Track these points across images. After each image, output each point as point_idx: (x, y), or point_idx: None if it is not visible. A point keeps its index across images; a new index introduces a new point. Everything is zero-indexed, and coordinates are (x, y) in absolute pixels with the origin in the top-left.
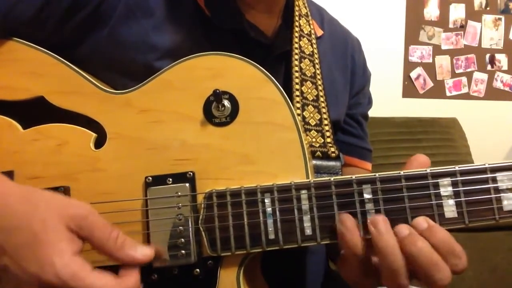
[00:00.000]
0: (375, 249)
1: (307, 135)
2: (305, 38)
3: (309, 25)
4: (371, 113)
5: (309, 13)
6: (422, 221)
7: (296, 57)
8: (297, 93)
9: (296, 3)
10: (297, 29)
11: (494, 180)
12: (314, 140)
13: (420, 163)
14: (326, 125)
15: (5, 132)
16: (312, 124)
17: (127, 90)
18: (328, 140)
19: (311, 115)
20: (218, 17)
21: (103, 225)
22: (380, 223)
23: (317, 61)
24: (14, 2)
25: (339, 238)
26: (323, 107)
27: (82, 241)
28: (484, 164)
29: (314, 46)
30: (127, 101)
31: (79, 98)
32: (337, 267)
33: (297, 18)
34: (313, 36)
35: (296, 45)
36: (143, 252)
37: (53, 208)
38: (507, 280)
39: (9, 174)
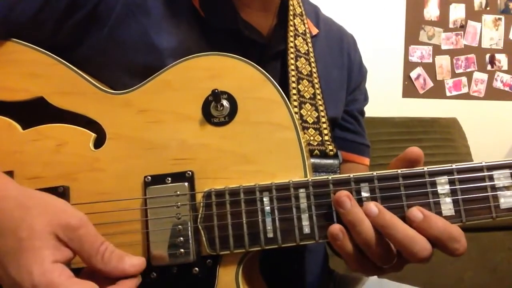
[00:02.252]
0: (347, 224)
1: (304, 133)
2: (300, 37)
3: (304, 24)
4: (371, 113)
5: (303, 13)
6: (417, 212)
7: (292, 55)
8: (294, 91)
9: (291, 2)
10: (292, 28)
11: (491, 178)
12: (312, 138)
13: (411, 157)
14: (323, 122)
15: (4, 133)
16: (310, 122)
17: (126, 91)
18: (326, 138)
19: (309, 113)
20: (213, 17)
21: (92, 238)
22: (344, 200)
23: (312, 59)
24: (14, 3)
25: (342, 218)
26: (320, 105)
27: (70, 251)
28: (481, 162)
29: (310, 44)
30: (126, 101)
31: (78, 99)
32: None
33: (291, 18)
34: (308, 35)
35: (292, 44)
36: (131, 263)
37: (45, 216)
38: (507, 280)
39: (9, 174)
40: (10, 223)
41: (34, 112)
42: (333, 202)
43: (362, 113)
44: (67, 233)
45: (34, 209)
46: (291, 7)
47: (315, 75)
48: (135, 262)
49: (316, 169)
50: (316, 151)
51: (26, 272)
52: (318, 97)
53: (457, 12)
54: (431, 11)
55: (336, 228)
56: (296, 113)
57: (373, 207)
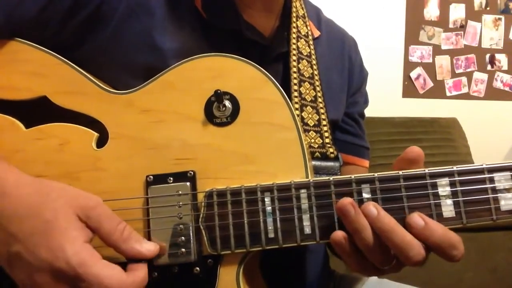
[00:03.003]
0: (350, 231)
1: (306, 135)
2: (302, 39)
3: (306, 26)
4: (371, 113)
5: (306, 14)
6: (418, 219)
7: (294, 58)
8: (296, 94)
9: (294, 4)
10: (294, 30)
11: (492, 180)
12: (312, 140)
13: (411, 157)
14: (324, 125)
15: (8, 131)
16: (311, 125)
17: (129, 91)
18: (327, 140)
19: (310, 115)
20: (215, 18)
21: (111, 216)
22: (349, 209)
23: (314, 62)
24: (17, 2)
25: (345, 222)
26: (321, 108)
27: (91, 231)
28: (482, 165)
29: (312, 47)
30: (129, 101)
31: (81, 98)
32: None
33: (294, 20)
34: (310, 37)
35: (294, 46)
36: (148, 247)
37: (64, 198)
38: (507, 280)
39: None
40: (31, 207)
41: (37, 111)
42: (336, 209)
43: (362, 115)
44: (86, 213)
45: (52, 194)
46: (294, 9)
47: (316, 77)
48: (151, 247)
49: (316, 171)
50: (317, 154)
51: (60, 251)
52: (319, 99)
53: (457, 12)
54: (431, 11)
55: (339, 235)
56: (297, 115)
57: (372, 208)
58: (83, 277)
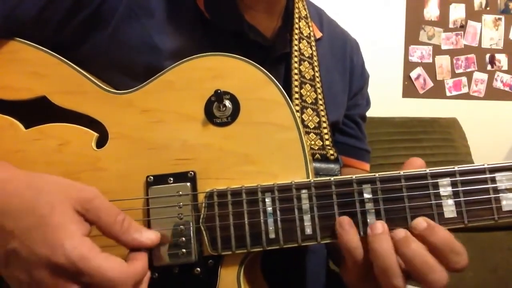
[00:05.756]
0: (370, 251)
1: (306, 137)
2: (304, 40)
3: (309, 27)
4: (371, 113)
5: (308, 15)
6: (421, 221)
7: (296, 59)
8: (296, 95)
9: (296, 5)
10: (296, 31)
11: (493, 180)
12: (313, 142)
13: (414, 168)
14: (324, 127)
15: (7, 132)
16: (311, 127)
17: (129, 91)
18: (327, 142)
19: (310, 118)
20: (218, 18)
21: (109, 208)
22: (377, 227)
23: (316, 63)
24: (17, 2)
25: (339, 240)
26: (322, 110)
27: (89, 224)
28: (483, 165)
29: (313, 48)
30: (129, 101)
31: (81, 98)
32: (340, 271)
33: (297, 20)
34: (312, 38)
35: (296, 48)
36: (148, 236)
37: (59, 191)
38: (507, 280)
39: None
40: (24, 203)
41: (36, 112)
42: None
43: (363, 118)
44: (83, 205)
45: (46, 188)
46: (296, 10)
47: (317, 79)
48: (152, 235)
49: (317, 173)
50: (317, 155)
51: (58, 246)
52: (320, 102)
53: (457, 12)
54: (431, 11)
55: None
56: (298, 117)
57: (401, 233)
58: (85, 271)
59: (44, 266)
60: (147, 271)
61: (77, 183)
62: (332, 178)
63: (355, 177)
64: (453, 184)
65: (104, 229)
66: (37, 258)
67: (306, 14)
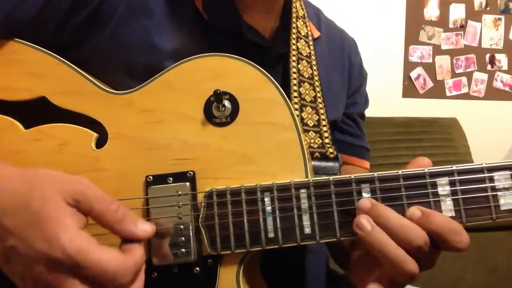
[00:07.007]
0: (369, 248)
1: (305, 136)
2: (302, 39)
3: (306, 26)
4: (371, 113)
5: (306, 15)
6: (415, 210)
7: (294, 58)
8: (295, 94)
9: (294, 4)
10: (294, 30)
11: (491, 179)
12: (312, 141)
13: (420, 166)
14: (324, 126)
15: (7, 132)
16: (310, 125)
17: (128, 91)
18: (326, 141)
19: (309, 116)
20: (216, 20)
21: (101, 197)
22: (364, 223)
23: (314, 62)
24: (16, 2)
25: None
26: (321, 108)
27: (84, 215)
28: (481, 164)
29: (311, 47)
30: (128, 102)
31: (80, 99)
32: (348, 270)
33: (294, 20)
34: (310, 37)
35: (294, 47)
36: (143, 228)
37: (49, 184)
38: (507, 280)
39: None
40: (18, 200)
41: (36, 112)
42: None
43: (362, 116)
44: (75, 197)
45: (38, 182)
46: (294, 9)
47: (316, 78)
48: (147, 227)
49: (316, 171)
50: (317, 154)
51: (55, 240)
52: (319, 100)
53: (457, 12)
54: (431, 11)
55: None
56: (297, 116)
57: (367, 202)
58: (83, 264)
59: (43, 261)
60: (144, 259)
61: (66, 175)
62: (331, 178)
63: (354, 176)
64: (451, 183)
65: (98, 218)
66: (35, 253)
67: (303, 14)
